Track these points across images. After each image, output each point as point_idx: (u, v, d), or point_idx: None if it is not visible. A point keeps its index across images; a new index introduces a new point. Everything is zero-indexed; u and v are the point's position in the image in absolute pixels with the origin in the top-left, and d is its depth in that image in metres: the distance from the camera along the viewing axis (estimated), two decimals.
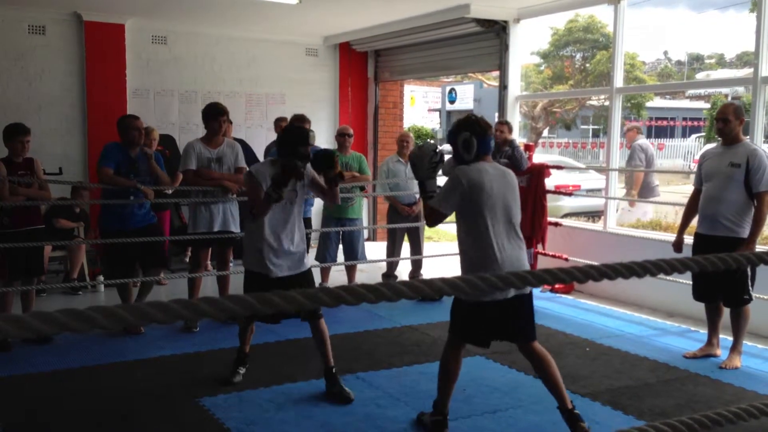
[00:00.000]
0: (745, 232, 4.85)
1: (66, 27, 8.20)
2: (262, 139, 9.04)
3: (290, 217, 4.35)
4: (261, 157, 7.88)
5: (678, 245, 5.26)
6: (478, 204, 3.62)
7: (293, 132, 4.36)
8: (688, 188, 5.49)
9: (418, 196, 7.40)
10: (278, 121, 7.95)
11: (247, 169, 4.67)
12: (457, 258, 8.77)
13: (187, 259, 7.32)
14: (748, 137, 5.49)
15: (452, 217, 3.82)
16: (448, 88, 34.62)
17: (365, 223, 9.54)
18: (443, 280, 1.17)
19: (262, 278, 4.29)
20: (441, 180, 3.78)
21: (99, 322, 0.81)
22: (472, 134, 3.67)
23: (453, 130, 3.79)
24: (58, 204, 6.63)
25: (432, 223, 3.81)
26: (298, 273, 4.37)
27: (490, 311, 3.61)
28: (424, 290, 1.14)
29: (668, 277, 5.70)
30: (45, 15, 8.07)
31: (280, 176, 4.11)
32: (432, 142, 4.17)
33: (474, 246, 3.67)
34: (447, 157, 3.88)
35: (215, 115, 5.76)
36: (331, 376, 4.35)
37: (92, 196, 7.33)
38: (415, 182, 7.22)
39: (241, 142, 6.93)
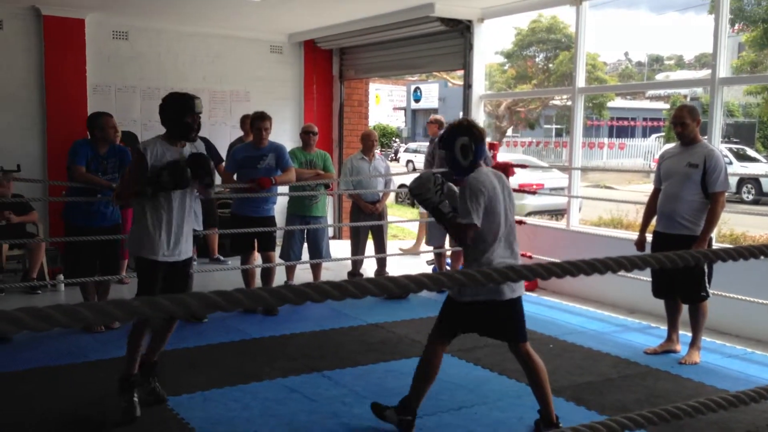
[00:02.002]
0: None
1: (24, 21, 8.02)
2: (226, 136, 8.96)
3: (180, 207, 4.04)
4: (224, 155, 7.80)
5: (640, 244, 5.35)
6: (495, 211, 3.60)
7: (176, 100, 3.95)
8: (649, 187, 5.59)
9: (381, 193, 7.42)
10: (244, 119, 7.88)
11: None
12: (424, 257, 8.77)
13: None
14: (706, 137, 5.61)
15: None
16: (413, 87, 34.75)
17: (330, 221, 9.52)
18: (408, 277, 1.17)
19: (151, 263, 3.99)
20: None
21: (58, 320, 0.79)
22: (471, 140, 3.63)
23: (449, 135, 3.71)
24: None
25: (464, 239, 3.63)
26: (185, 259, 4.12)
27: (484, 310, 3.62)
28: (389, 287, 1.14)
29: (629, 274, 5.80)
30: (2, 9, 7.89)
31: (168, 186, 3.84)
32: (427, 171, 4.02)
33: (484, 252, 3.62)
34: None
35: None
36: (151, 371, 4.15)
37: (54, 192, 7.20)
38: (380, 179, 7.32)
39: (204, 140, 6.85)
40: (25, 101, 8.10)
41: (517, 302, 3.68)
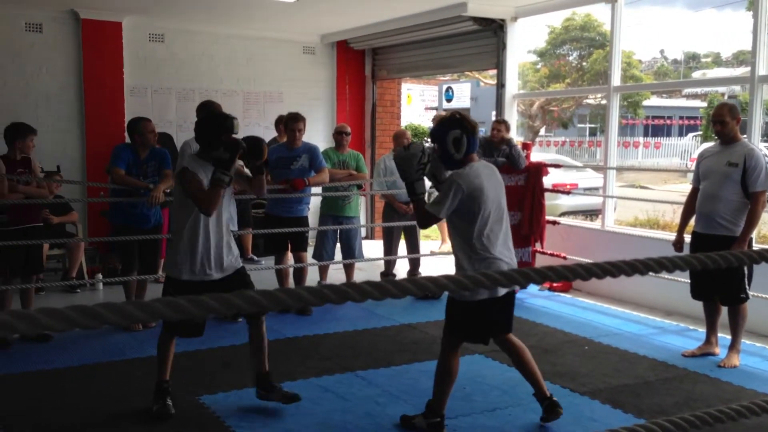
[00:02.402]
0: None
1: (63, 25, 8.18)
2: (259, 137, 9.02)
3: (226, 211, 4.00)
4: None
5: (678, 244, 5.27)
6: (478, 208, 3.60)
7: (213, 120, 3.91)
8: (685, 187, 5.51)
9: None
10: (279, 120, 7.95)
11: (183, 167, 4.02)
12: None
13: None
14: (745, 136, 5.50)
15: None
16: (445, 87, 34.59)
17: (363, 221, 9.54)
18: (447, 277, 1.17)
19: (198, 285, 3.87)
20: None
21: (107, 318, 0.81)
22: (462, 132, 3.62)
23: (440, 128, 3.70)
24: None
25: (425, 225, 3.86)
26: (233, 272, 4.02)
27: (488, 308, 3.67)
28: (428, 287, 1.14)
29: (667, 276, 5.71)
30: (42, 13, 8.05)
31: (225, 156, 3.75)
32: (418, 141, 4.03)
33: (473, 250, 3.66)
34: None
35: None
36: (267, 383, 4.10)
37: (93, 193, 7.34)
38: None
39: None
40: (64, 103, 8.26)
41: (513, 296, 3.82)
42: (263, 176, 4.17)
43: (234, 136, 3.89)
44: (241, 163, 4.19)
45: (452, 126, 3.65)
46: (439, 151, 3.70)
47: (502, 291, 3.63)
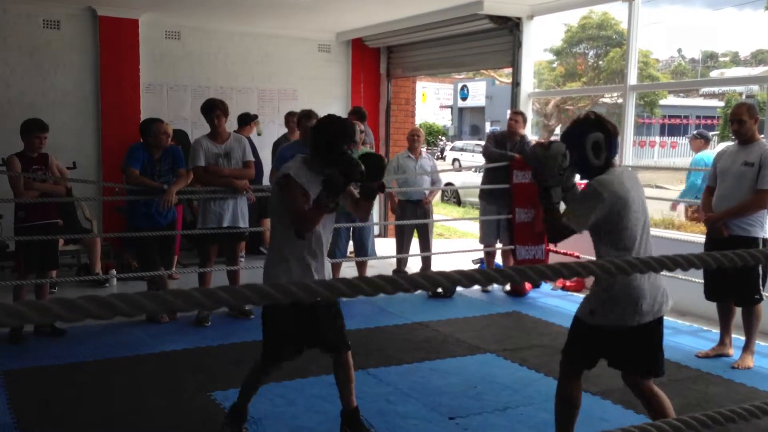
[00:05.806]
0: (758, 232, 4.83)
1: (80, 22, 8.24)
2: (273, 134, 9.05)
3: (329, 230, 3.62)
4: (269, 154, 7.86)
5: (710, 220, 5.02)
6: (625, 218, 3.09)
7: (334, 125, 3.43)
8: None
9: (427, 192, 7.41)
10: (289, 116, 7.95)
11: (281, 171, 3.55)
12: (468, 255, 8.67)
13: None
14: (763, 136, 5.45)
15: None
16: (460, 85, 34.60)
17: (376, 219, 9.55)
18: (460, 273, 1.17)
19: (293, 308, 3.38)
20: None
21: (121, 309, 0.81)
22: (604, 135, 3.11)
23: (576, 131, 3.17)
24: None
25: (558, 239, 3.33)
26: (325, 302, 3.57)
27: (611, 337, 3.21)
28: (440, 282, 1.14)
29: (681, 276, 5.68)
30: (60, 10, 8.12)
31: (339, 180, 3.30)
32: (558, 141, 3.40)
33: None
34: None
35: (208, 111, 5.86)
36: (354, 419, 3.70)
37: (108, 190, 7.39)
38: (425, 177, 7.31)
39: (245, 138, 6.93)
40: (81, 100, 8.32)
41: (644, 330, 3.16)
42: (372, 201, 3.70)
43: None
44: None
45: (592, 128, 3.13)
46: (574, 156, 3.13)
47: (647, 318, 3.11)
